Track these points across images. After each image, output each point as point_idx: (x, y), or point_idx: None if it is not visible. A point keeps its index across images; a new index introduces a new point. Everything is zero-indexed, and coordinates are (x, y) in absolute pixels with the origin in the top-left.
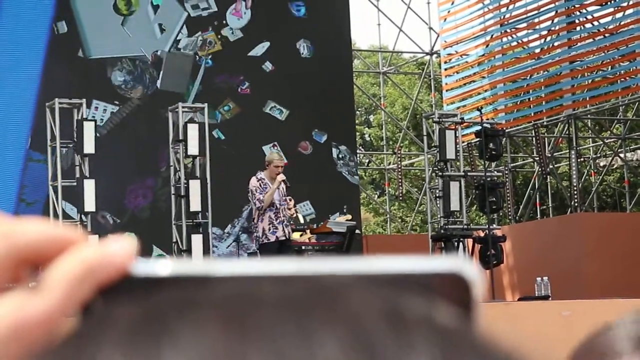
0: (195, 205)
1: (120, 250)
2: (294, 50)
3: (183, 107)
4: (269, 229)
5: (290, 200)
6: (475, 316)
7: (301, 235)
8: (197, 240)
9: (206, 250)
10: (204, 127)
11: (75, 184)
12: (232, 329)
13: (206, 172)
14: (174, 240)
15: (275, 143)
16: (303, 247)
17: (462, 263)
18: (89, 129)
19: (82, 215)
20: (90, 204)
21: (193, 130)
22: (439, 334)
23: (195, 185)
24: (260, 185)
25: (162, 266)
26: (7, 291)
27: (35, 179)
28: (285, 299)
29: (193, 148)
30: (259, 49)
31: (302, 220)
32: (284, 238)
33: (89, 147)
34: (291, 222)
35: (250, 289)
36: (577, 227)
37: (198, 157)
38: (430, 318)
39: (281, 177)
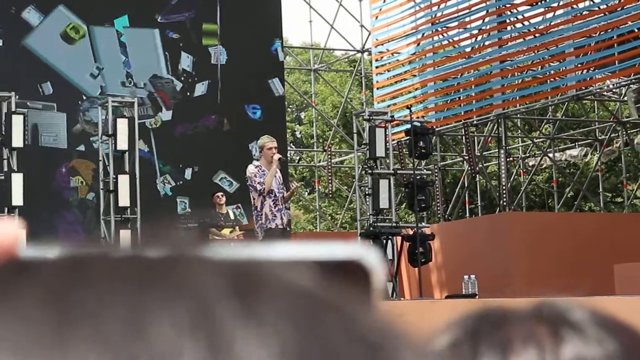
0: (124, 200)
1: (5, 232)
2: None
3: (113, 102)
4: (271, 216)
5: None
6: (374, 303)
7: (231, 232)
8: (125, 235)
9: None
10: (133, 121)
11: (3, 177)
12: (53, 313)
13: (135, 167)
14: (102, 235)
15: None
16: (232, 244)
17: (363, 250)
18: (17, 122)
19: (9, 210)
20: (17, 199)
21: (122, 125)
22: (293, 304)
23: (124, 180)
24: (259, 171)
25: (51, 250)
26: None
27: None
28: (119, 277)
29: (122, 143)
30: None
31: (232, 217)
32: (281, 226)
33: (18, 140)
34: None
35: (84, 269)
36: (505, 226)
37: (127, 152)
38: (287, 288)
39: (277, 156)
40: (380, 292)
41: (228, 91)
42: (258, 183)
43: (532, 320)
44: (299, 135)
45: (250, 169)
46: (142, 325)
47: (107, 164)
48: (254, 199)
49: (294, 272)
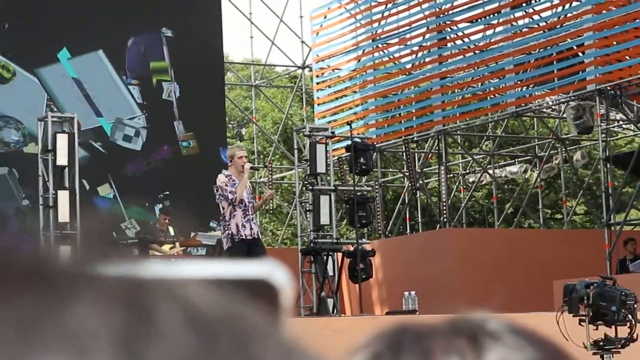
0: (64, 216)
1: None
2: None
3: (52, 117)
4: (240, 226)
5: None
6: (282, 321)
7: (171, 248)
8: (65, 251)
9: None
10: (73, 137)
11: None
12: None
13: (75, 183)
14: None
15: None
16: (172, 260)
17: (272, 269)
18: None
19: None
20: None
21: (62, 140)
22: (188, 340)
23: (63, 196)
24: (230, 181)
25: None
26: None
27: None
28: (13, 300)
29: (62, 158)
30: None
31: (172, 233)
32: (251, 237)
33: None
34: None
35: None
36: (445, 242)
37: (67, 167)
38: (184, 317)
39: (248, 165)
40: (287, 310)
41: (189, 127)
42: (230, 192)
43: (450, 333)
44: None
45: (221, 178)
46: None
47: (46, 179)
48: (223, 208)
49: (195, 295)
